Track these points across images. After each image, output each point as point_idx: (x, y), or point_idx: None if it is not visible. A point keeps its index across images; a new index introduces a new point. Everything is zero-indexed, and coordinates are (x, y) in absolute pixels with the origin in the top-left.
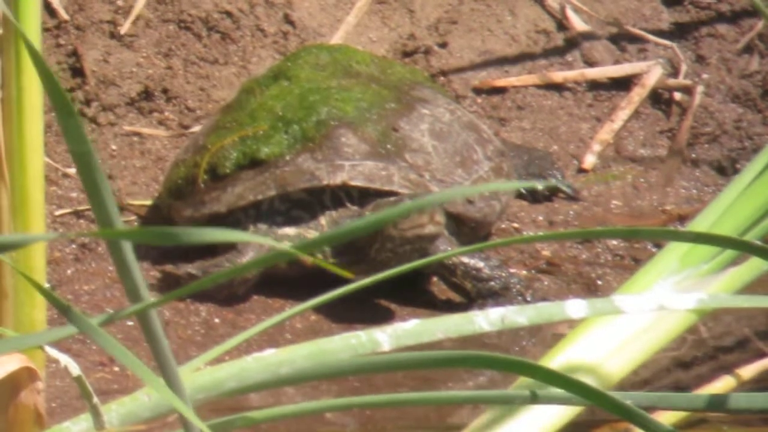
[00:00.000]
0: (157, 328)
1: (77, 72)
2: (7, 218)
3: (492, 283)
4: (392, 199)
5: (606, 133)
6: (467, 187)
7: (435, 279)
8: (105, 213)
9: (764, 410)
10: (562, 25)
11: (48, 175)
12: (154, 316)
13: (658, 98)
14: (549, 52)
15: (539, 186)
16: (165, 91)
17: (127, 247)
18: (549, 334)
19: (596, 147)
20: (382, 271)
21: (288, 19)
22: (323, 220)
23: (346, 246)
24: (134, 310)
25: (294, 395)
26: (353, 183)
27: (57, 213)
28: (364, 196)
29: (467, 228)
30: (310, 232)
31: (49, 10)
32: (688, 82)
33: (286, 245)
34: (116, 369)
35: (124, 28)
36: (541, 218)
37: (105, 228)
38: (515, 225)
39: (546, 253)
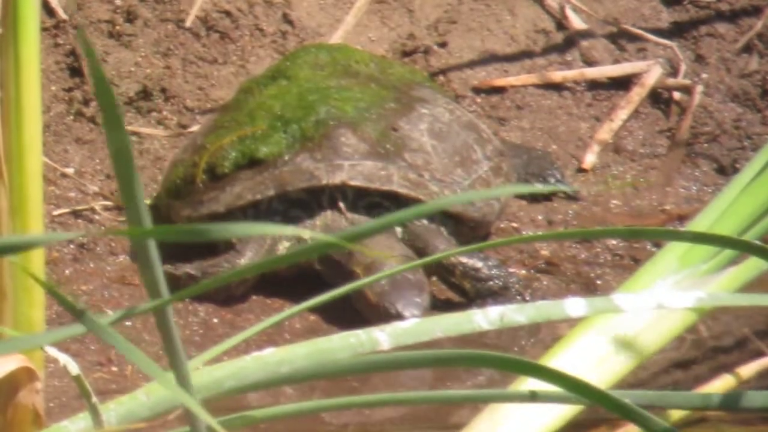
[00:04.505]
0: (171, 325)
1: (75, 72)
2: (6, 218)
3: (491, 282)
4: None
5: (605, 132)
6: (468, 190)
7: (434, 279)
8: (136, 210)
9: (763, 409)
10: (561, 24)
11: (46, 174)
12: (169, 313)
13: (658, 98)
14: (548, 51)
15: (544, 190)
16: (163, 90)
17: (152, 245)
18: (548, 334)
19: (595, 146)
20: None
21: (287, 19)
22: (318, 221)
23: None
24: (149, 307)
25: (293, 395)
26: (352, 183)
27: (55, 213)
28: (360, 198)
29: (466, 228)
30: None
31: (47, 9)
32: (687, 81)
33: (325, 235)
34: (114, 369)
35: (188, 21)
36: (540, 218)
37: (135, 225)
38: (514, 224)
39: (545, 252)
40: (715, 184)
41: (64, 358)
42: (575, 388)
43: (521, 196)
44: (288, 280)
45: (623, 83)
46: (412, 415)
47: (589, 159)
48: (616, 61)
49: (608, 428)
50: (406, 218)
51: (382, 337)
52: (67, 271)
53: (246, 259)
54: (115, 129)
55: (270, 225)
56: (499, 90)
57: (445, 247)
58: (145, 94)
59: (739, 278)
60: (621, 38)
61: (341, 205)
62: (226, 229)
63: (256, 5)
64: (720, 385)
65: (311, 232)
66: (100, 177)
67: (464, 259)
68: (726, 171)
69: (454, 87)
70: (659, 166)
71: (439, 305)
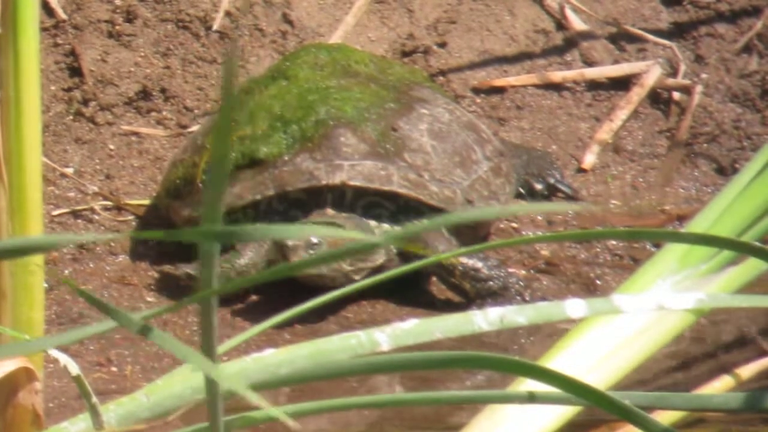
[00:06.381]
0: (213, 318)
1: (75, 71)
2: (5, 218)
3: (491, 283)
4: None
5: (605, 132)
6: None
7: (434, 279)
8: (214, 212)
9: (763, 410)
10: (561, 24)
11: (45, 174)
12: (214, 305)
13: (657, 98)
14: (548, 51)
15: (554, 209)
16: (163, 90)
17: (216, 248)
18: (547, 334)
19: (595, 147)
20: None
21: (286, 19)
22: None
23: None
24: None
25: (292, 396)
26: (352, 183)
27: (54, 213)
28: (359, 198)
29: (466, 228)
30: None
31: (47, 9)
32: (687, 81)
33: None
34: (114, 369)
35: (216, 23)
36: (540, 218)
37: (210, 223)
38: (514, 225)
39: (545, 252)
40: (715, 184)
41: (64, 359)
42: (574, 389)
43: (521, 197)
44: (287, 280)
45: (623, 83)
46: (411, 415)
47: (589, 159)
48: (616, 62)
49: (607, 429)
50: (445, 223)
51: (382, 338)
52: (66, 271)
53: (246, 259)
54: (223, 138)
55: (294, 227)
56: (499, 90)
57: (445, 248)
58: (144, 94)
59: (738, 279)
60: (621, 38)
61: (329, 208)
62: (250, 231)
63: (256, 5)
64: (720, 385)
65: (334, 230)
66: (100, 177)
67: (464, 260)
68: (725, 171)
69: (453, 87)
70: (659, 167)
71: (439, 305)
